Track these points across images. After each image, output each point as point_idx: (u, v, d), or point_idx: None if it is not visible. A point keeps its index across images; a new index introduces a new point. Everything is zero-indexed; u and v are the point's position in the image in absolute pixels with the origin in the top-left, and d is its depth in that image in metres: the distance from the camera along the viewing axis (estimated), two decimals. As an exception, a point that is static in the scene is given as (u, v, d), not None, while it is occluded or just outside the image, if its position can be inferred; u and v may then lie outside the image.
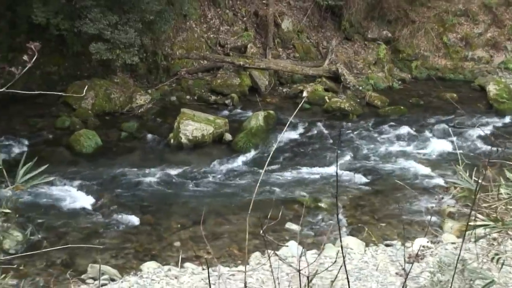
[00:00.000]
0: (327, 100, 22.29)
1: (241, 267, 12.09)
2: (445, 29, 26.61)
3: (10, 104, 19.60)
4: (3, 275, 5.15)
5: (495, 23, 26.92)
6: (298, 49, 25.46)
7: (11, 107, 19.67)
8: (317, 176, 17.54)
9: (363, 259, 12.07)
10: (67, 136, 18.86)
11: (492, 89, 23.57)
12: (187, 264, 12.16)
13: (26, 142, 18.59)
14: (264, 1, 25.97)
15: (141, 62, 21.52)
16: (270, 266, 4.96)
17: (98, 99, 20.75)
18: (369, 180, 17.43)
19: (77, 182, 16.64)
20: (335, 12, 26.52)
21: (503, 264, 4.46)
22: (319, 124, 20.96)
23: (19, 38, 20.30)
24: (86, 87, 20.03)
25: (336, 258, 8.54)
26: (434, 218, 14.69)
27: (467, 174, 4.94)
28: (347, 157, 18.69)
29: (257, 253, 12.57)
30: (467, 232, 4.53)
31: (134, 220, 15.06)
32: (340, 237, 4.24)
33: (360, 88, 23.70)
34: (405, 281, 3.73)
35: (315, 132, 20.46)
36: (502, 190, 5.05)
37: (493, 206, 4.98)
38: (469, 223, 4.39)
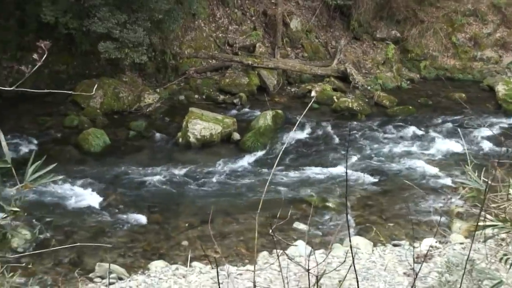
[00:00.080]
0: (336, 100, 22.25)
1: (248, 266, 12.10)
2: (454, 29, 26.56)
3: (19, 103, 19.66)
4: (11, 274, 5.16)
5: (504, 23, 26.86)
6: (307, 49, 25.45)
7: (20, 105, 19.72)
8: (325, 176, 17.52)
9: (370, 259, 12.06)
10: (76, 135, 18.89)
11: (501, 89, 23.51)
12: (194, 263, 12.17)
13: (35, 141, 18.63)
14: (272, 1, 25.98)
15: (149, 61, 21.53)
16: (279, 265, 4.96)
17: (106, 98, 20.78)
18: (377, 180, 17.41)
19: (85, 181, 16.66)
20: (344, 12, 26.49)
21: (511, 264, 4.44)
22: (327, 124, 20.94)
23: (28, 37, 20.35)
24: (96, 85, 20.10)
25: (345, 257, 8.51)
26: (442, 218, 14.67)
27: (476, 174, 4.92)
28: (355, 157, 18.66)
29: (265, 253, 12.58)
30: (475, 233, 4.52)
31: (142, 219, 15.07)
32: (350, 237, 4.24)
33: (369, 88, 23.69)
34: (414, 281, 3.73)
35: (323, 132, 20.44)
36: (511, 191, 5.04)
37: (502, 207, 4.97)
38: (478, 224, 4.38)
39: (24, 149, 18.05)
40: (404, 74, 25.61)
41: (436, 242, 12.45)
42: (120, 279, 11.87)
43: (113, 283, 11.53)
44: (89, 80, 21.03)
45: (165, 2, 19.41)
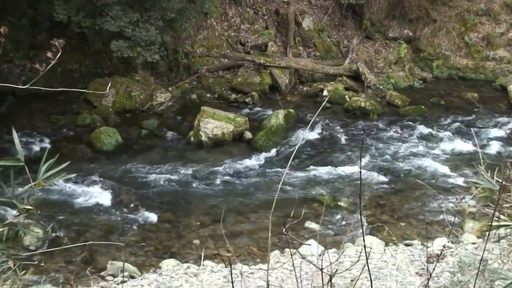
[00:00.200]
0: (348, 99, 22.23)
1: (260, 265, 12.10)
2: (467, 29, 26.48)
3: (32, 101, 19.74)
4: (24, 271, 5.17)
5: (517, 22, 26.79)
6: (319, 48, 25.43)
7: (33, 104, 19.80)
8: (336, 175, 17.50)
9: (382, 259, 12.04)
10: (88, 134, 18.93)
11: (513, 89, 23.50)
12: (206, 262, 12.17)
13: (47, 139, 18.68)
14: (285, 0, 25.95)
15: (161, 60, 21.54)
16: (293, 264, 4.95)
17: (118, 96, 20.81)
18: (389, 179, 17.38)
19: (97, 179, 16.69)
20: (356, 11, 26.46)
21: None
22: (339, 123, 20.92)
23: (40, 36, 20.41)
24: (109, 84, 20.14)
25: (359, 257, 8.51)
26: (454, 218, 14.63)
27: (489, 174, 4.91)
28: (367, 156, 18.62)
29: (276, 252, 12.58)
30: (489, 232, 4.51)
31: (154, 217, 15.10)
32: (364, 236, 4.23)
33: (381, 87, 23.66)
34: (428, 281, 3.72)
35: (335, 131, 20.41)
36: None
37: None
38: (491, 224, 4.37)
39: (36, 148, 18.10)
40: (417, 73, 25.57)
41: (448, 242, 12.42)
42: (132, 277, 11.89)
43: (125, 282, 11.55)
44: (101, 78, 21.06)
45: (178, 1, 19.43)
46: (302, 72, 24.08)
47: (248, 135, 19.40)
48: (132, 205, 15.65)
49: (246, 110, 21.54)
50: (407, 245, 12.98)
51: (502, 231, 4.79)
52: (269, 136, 19.08)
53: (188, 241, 14.11)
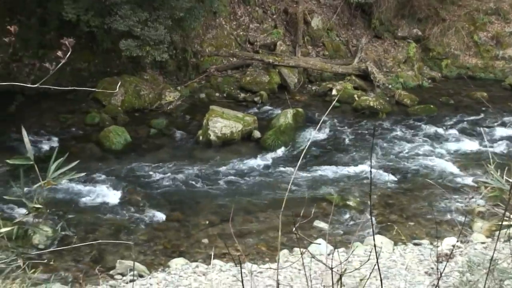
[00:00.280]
0: (356, 99, 22.20)
1: (269, 264, 12.10)
2: (476, 28, 26.42)
3: (41, 100, 19.80)
4: (33, 270, 5.18)
5: (527, 21, 26.73)
6: (328, 47, 25.42)
7: (42, 103, 19.85)
8: (345, 175, 17.49)
9: (391, 258, 12.03)
10: (97, 133, 18.95)
11: (523, 88, 23.46)
12: (215, 261, 12.17)
13: (56, 138, 18.71)
14: (293, -1, 25.99)
15: (170, 59, 21.55)
16: (303, 263, 4.94)
17: (127, 95, 20.84)
18: (397, 179, 17.36)
19: (106, 178, 16.72)
20: (365, 10, 26.43)
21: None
22: (348, 122, 20.91)
23: (49, 35, 20.45)
24: (119, 83, 20.16)
25: (369, 256, 8.50)
26: (463, 218, 14.61)
27: (498, 174, 4.90)
28: (376, 156, 18.61)
29: (285, 251, 12.57)
30: (499, 232, 4.50)
31: (162, 216, 15.11)
32: (374, 235, 4.22)
33: (390, 86, 23.63)
34: (438, 281, 3.71)
35: (344, 130, 20.40)
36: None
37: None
38: (501, 223, 4.36)
39: (45, 147, 18.14)
40: (426, 72, 25.52)
41: (457, 241, 12.40)
42: (141, 276, 11.91)
43: (134, 280, 11.57)
44: (110, 77, 21.08)
45: (186, 0, 19.44)
46: (311, 71, 24.07)
47: (257, 134, 19.40)
48: (140, 204, 15.68)
49: (255, 109, 21.55)
50: (416, 244, 12.97)
51: (511, 230, 4.78)
52: (277, 135, 19.08)
53: (196, 240, 14.12)
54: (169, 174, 17.19)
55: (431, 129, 20.51)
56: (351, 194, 16.29)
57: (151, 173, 17.25)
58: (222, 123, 19.02)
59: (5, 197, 7.84)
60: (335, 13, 26.09)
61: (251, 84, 22.78)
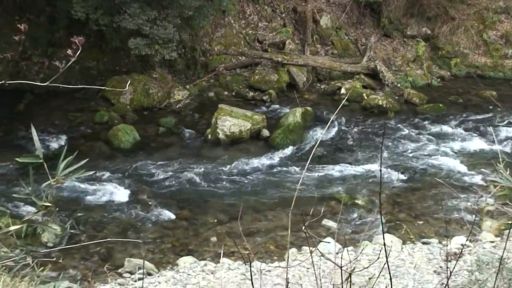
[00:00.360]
0: (365, 97, 22.18)
1: (278, 263, 12.10)
2: (485, 27, 26.36)
3: (50, 99, 19.82)
4: (42, 268, 5.20)
5: (537, 20, 26.66)
6: (337, 46, 25.39)
7: (51, 101, 19.89)
8: (354, 173, 17.48)
9: (400, 257, 12.03)
10: (106, 131, 18.98)
11: (532, 87, 23.40)
12: (223, 260, 12.19)
13: (65, 137, 18.74)
14: (302, -2, 25.97)
15: (179, 58, 21.56)
16: (312, 262, 4.95)
17: (136, 94, 20.85)
18: (406, 177, 17.34)
19: (115, 177, 16.75)
20: (374, 9, 26.40)
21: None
22: (356, 121, 20.89)
23: (58, 34, 20.52)
24: (129, 81, 20.17)
25: (379, 255, 8.52)
26: (472, 217, 14.58)
27: (508, 173, 4.89)
28: (385, 154, 18.57)
29: (294, 250, 12.58)
30: (509, 231, 4.50)
31: (171, 215, 15.12)
32: (383, 234, 4.22)
33: (399, 85, 23.59)
34: (448, 280, 3.70)
35: (353, 129, 20.38)
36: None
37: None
38: (511, 222, 4.36)
39: (54, 145, 18.18)
40: (435, 71, 25.47)
41: (466, 240, 12.39)
42: (149, 274, 11.93)
43: (142, 279, 11.58)
44: (119, 76, 21.11)
45: (195, -2, 19.48)
46: (319, 70, 24.05)
47: (266, 133, 19.39)
48: (149, 202, 15.69)
49: (264, 108, 21.54)
50: (424, 243, 12.96)
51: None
52: (286, 134, 19.07)
53: (205, 238, 14.13)
54: (177, 172, 17.21)
55: (439, 128, 20.47)
56: (359, 193, 16.29)
57: (159, 171, 17.26)
58: (230, 122, 19.02)
59: (14, 195, 7.84)
60: (344, 12, 26.07)
61: (259, 82, 22.78)
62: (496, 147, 18.25)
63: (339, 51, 25.25)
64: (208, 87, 22.58)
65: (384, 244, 3.89)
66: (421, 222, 14.83)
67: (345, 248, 11.47)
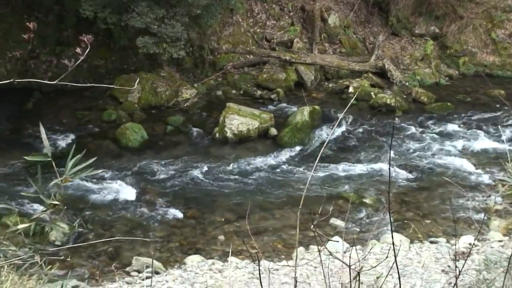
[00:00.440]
0: (373, 96, 22.16)
1: (285, 262, 12.09)
2: (494, 25, 26.29)
3: (58, 97, 19.86)
4: (50, 266, 5.21)
5: (545, 19, 26.59)
6: (345, 44, 25.36)
7: (59, 100, 19.93)
8: (362, 172, 17.46)
9: (407, 256, 12.01)
10: (114, 129, 19.00)
11: (541, 86, 23.34)
12: (231, 258, 12.18)
13: (73, 135, 18.76)
14: (310, -4, 25.95)
15: (187, 56, 21.58)
16: (320, 261, 4.94)
17: (144, 92, 20.86)
18: (414, 176, 17.32)
19: (122, 175, 16.77)
20: (382, 8, 26.37)
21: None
22: (364, 119, 20.86)
23: (67, 32, 20.56)
24: (138, 80, 20.19)
25: (387, 254, 8.51)
26: (480, 216, 14.56)
27: (516, 172, 4.88)
28: (392, 153, 18.56)
29: (301, 248, 12.57)
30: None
31: (179, 213, 15.13)
32: (392, 233, 4.21)
33: (407, 84, 23.56)
34: (457, 279, 3.70)
35: (361, 127, 20.35)
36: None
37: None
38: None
39: (62, 143, 18.20)
40: (443, 70, 25.42)
41: (474, 239, 12.37)
42: (157, 273, 11.93)
43: (150, 277, 11.59)
44: (127, 75, 21.13)
45: (203, -3, 19.49)
46: (327, 68, 24.03)
47: (273, 131, 19.38)
48: (157, 201, 15.71)
49: (272, 107, 21.53)
50: (432, 242, 12.94)
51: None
52: (294, 132, 19.06)
53: (212, 237, 14.14)
54: (185, 171, 17.22)
55: (448, 126, 20.44)
56: (367, 192, 16.28)
57: (167, 170, 17.27)
58: (238, 120, 19.02)
59: (22, 193, 7.85)
60: (352, 10, 26.03)
61: (267, 81, 22.77)
62: (504, 146, 18.21)
63: (347, 50, 25.22)
64: (216, 85, 22.58)
65: (393, 244, 3.89)
66: (428, 221, 14.82)
67: (353, 247, 11.45)
